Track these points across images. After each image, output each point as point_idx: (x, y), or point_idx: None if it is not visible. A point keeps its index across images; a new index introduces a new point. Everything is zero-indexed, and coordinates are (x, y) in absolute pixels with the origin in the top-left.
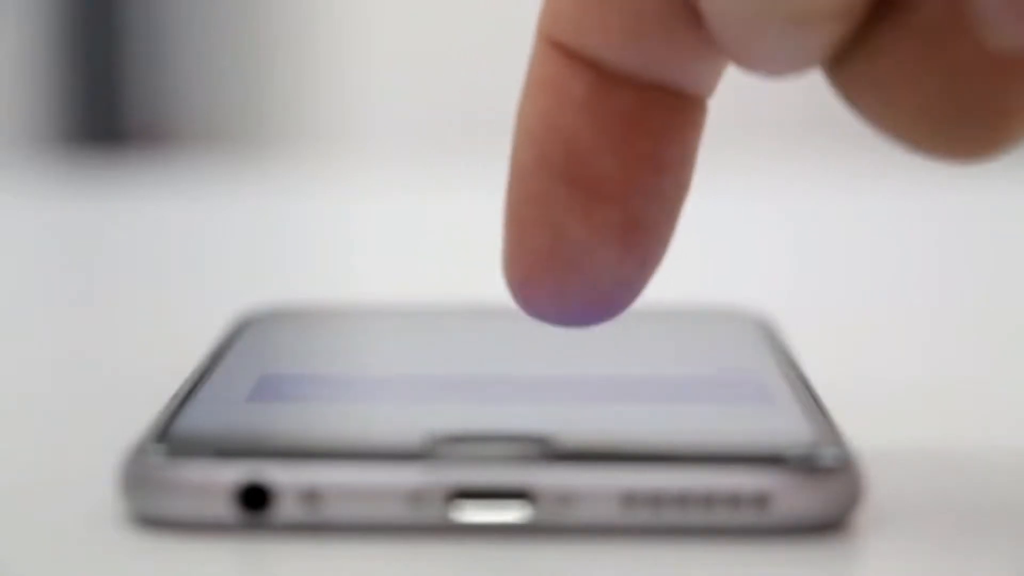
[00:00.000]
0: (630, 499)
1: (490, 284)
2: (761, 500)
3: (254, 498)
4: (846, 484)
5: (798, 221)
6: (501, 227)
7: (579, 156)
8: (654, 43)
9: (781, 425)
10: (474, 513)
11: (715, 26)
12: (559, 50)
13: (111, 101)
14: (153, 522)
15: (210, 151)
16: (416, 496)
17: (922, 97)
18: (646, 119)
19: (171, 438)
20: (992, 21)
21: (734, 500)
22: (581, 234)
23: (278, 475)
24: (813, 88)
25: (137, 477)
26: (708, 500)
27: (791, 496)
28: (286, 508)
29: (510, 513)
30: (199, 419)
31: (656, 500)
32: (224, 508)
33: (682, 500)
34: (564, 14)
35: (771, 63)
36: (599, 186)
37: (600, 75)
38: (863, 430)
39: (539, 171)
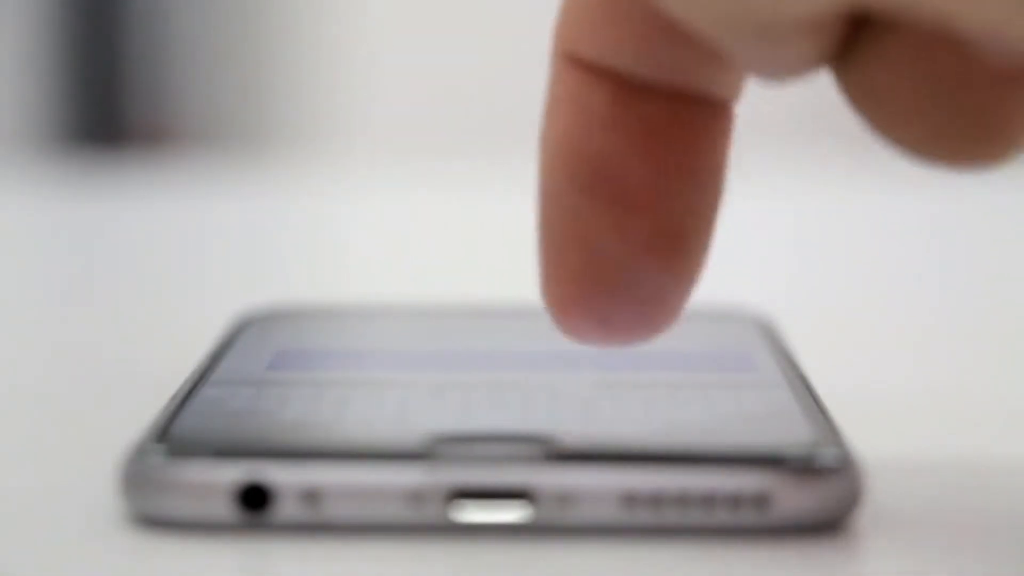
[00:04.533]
0: (630, 499)
1: (491, 284)
2: (761, 500)
3: (254, 498)
4: (846, 484)
5: (798, 221)
6: (536, 251)
7: (608, 169)
8: (670, 51)
9: (781, 425)
10: (474, 513)
11: (699, 37)
12: (577, 65)
13: (111, 101)
14: (153, 522)
15: (210, 151)
16: (416, 496)
17: (918, 105)
18: (673, 127)
19: (171, 438)
20: (990, 43)
21: (734, 500)
22: (618, 248)
23: (278, 475)
24: (813, 89)
25: (137, 477)
26: (708, 500)
27: (791, 496)
28: (286, 508)
29: (510, 513)
30: (199, 419)
31: (656, 500)
32: (224, 508)
33: (682, 500)
34: (580, 28)
35: (760, 70)
36: (631, 197)
37: (622, 86)
38: (863, 430)
39: (569, 188)
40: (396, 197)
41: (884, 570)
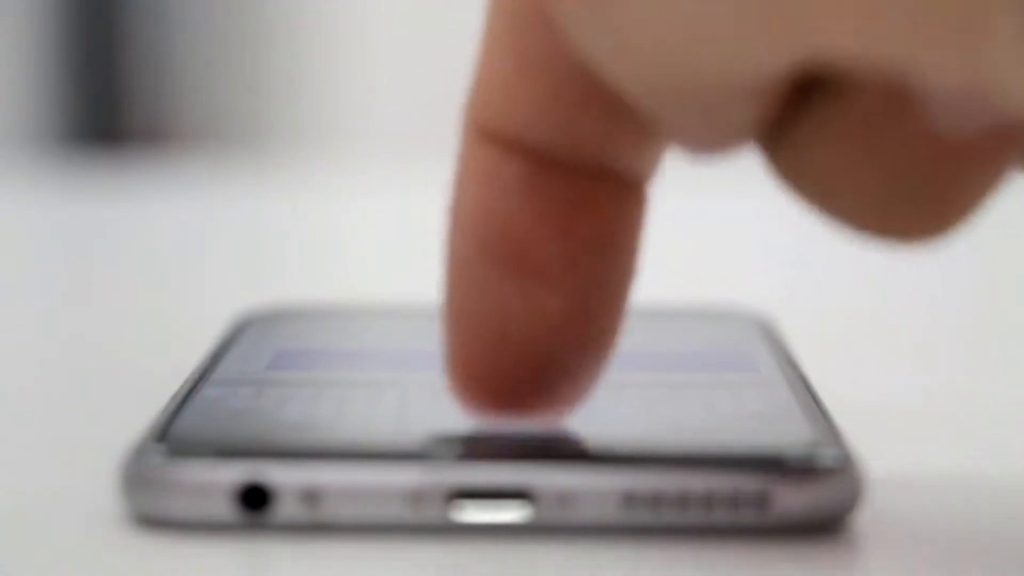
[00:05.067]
0: (630, 499)
1: None
2: (761, 500)
3: (254, 498)
4: (846, 484)
5: (798, 221)
6: (442, 324)
7: (520, 243)
8: (587, 124)
9: (781, 425)
10: (474, 513)
11: (636, 107)
12: (491, 138)
13: (111, 101)
14: (153, 522)
15: (210, 151)
16: (416, 496)
17: (861, 183)
18: (587, 204)
19: (171, 438)
20: (943, 109)
21: (734, 500)
22: (528, 323)
23: (278, 475)
24: None
25: (137, 477)
26: (708, 500)
27: (791, 496)
28: (286, 508)
29: (510, 513)
30: (199, 419)
31: (656, 500)
32: (224, 508)
33: (682, 500)
34: (493, 101)
35: (688, 141)
36: (543, 272)
37: (535, 161)
38: (863, 430)
39: (481, 261)
40: (396, 197)
41: (884, 570)
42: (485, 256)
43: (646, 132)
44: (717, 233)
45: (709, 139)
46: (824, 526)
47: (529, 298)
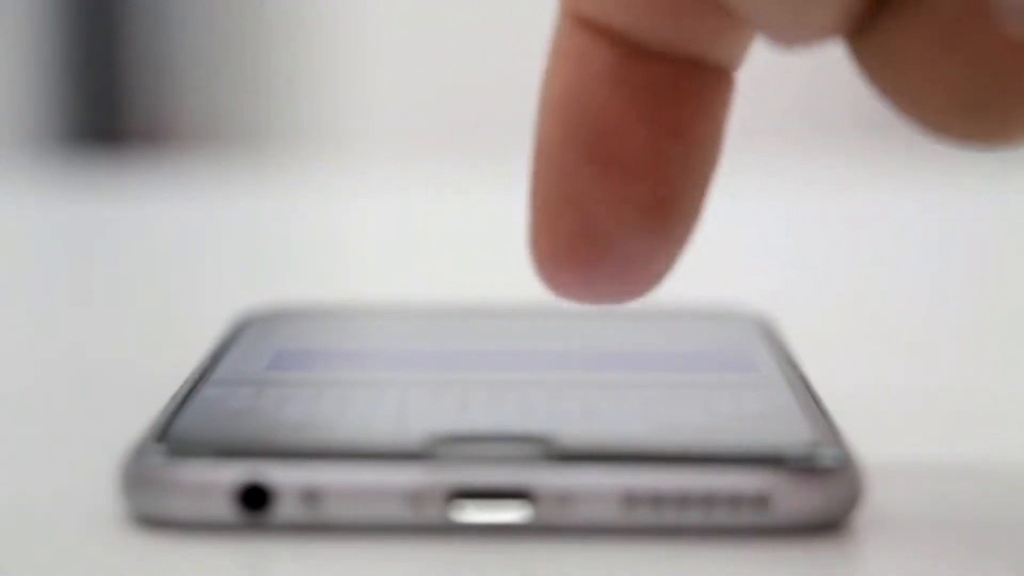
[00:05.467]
0: (630, 499)
1: (490, 283)
2: (761, 500)
3: (254, 498)
4: (846, 484)
5: (798, 221)
6: (527, 205)
7: (607, 130)
8: (679, 13)
9: (781, 425)
10: (474, 513)
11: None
12: (584, 25)
13: (111, 101)
14: (153, 522)
15: (210, 151)
16: (416, 496)
17: (942, 81)
18: (674, 91)
19: (171, 438)
20: (1008, 11)
21: (734, 500)
22: (610, 212)
23: (278, 475)
24: (812, 88)
25: (137, 477)
26: (708, 500)
27: (791, 496)
28: (286, 508)
29: (510, 513)
30: (199, 419)
31: (656, 500)
32: (224, 508)
33: (682, 500)
34: None
35: (784, 33)
36: (628, 161)
37: (627, 48)
38: (863, 430)
39: (566, 148)
40: (396, 197)
41: (884, 570)
42: (571, 141)
43: (734, 22)
44: (717, 233)
45: (796, 32)
46: (824, 526)
47: (612, 184)
